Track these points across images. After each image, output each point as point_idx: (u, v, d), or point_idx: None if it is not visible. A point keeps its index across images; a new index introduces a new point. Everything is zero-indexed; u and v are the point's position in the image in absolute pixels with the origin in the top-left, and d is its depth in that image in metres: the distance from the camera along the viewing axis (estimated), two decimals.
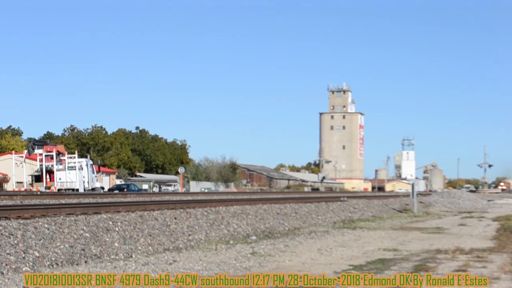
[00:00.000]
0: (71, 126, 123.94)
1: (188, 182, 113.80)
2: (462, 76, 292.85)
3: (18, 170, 60.55)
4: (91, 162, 61.34)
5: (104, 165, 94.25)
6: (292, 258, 16.98)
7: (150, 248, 18.52)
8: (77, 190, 55.81)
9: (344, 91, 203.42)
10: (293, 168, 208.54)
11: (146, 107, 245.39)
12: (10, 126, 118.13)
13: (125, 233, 18.73)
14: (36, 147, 59.57)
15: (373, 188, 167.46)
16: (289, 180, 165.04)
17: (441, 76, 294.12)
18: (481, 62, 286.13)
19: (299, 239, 22.49)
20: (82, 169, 58.07)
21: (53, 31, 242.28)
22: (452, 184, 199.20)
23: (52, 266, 14.83)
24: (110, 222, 18.96)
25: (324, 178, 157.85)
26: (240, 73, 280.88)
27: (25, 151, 60.87)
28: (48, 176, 57.76)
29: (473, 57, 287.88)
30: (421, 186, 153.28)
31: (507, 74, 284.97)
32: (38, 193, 45.17)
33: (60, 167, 57.95)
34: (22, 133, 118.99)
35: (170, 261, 15.93)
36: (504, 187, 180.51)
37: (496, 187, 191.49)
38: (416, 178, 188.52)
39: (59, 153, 59.11)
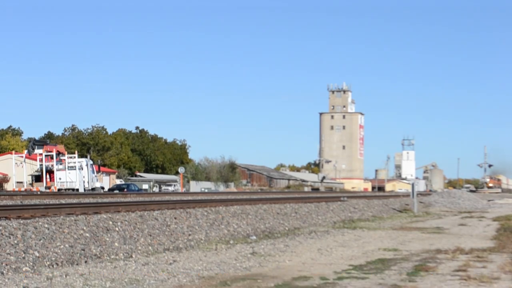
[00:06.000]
0: (72, 126, 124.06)
1: (188, 182, 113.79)
2: (462, 76, 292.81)
3: (18, 170, 60.55)
4: (91, 162, 61.34)
5: (104, 165, 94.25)
6: (292, 258, 16.98)
7: (150, 248, 18.52)
8: (77, 190, 55.81)
9: (344, 91, 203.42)
10: (293, 168, 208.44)
11: (146, 107, 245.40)
12: (10, 126, 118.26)
13: (125, 233, 18.73)
14: (36, 147, 59.56)
15: (373, 188, 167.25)
16: (289, 180, 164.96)
17: (441, 76, 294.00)
18: (481, 62, 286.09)
19: (299, 239, 22.49)
20: (82, 169, 58.09)
21: (53, 31, 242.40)
22: (452, 184, 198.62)
23: (52, 266, 14.83)
24: (110, 222, 18.96)
25: (324, 178, 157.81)
26: (240, 73, 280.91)
27: (25, 151, 60.88)
28: (48, 176, 57.78)
29: (473, 57, 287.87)
30: (421, 186, 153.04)
31: (508, 74, 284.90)
32: (38, 193, 45.16)
33: (60, 167, 57.97)
34: (22, 133, 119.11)
35: (170, 261, 15.93)
36: (490, 185, 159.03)
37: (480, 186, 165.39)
38: (416, 178, 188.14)
39: (59, 153, 59.12)
